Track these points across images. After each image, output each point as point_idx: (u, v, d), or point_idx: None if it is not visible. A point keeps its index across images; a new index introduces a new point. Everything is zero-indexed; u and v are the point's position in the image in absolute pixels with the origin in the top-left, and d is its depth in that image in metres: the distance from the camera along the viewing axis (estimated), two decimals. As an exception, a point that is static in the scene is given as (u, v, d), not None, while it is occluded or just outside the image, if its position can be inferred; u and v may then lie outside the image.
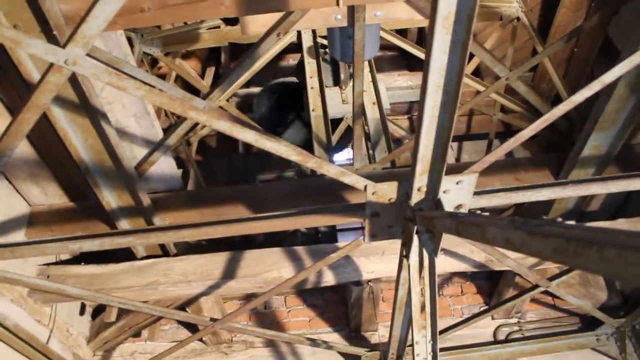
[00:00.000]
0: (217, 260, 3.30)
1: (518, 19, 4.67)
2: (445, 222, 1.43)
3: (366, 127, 4.09)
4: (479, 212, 1.40)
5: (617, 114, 2.89)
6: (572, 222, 0.82)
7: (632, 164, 3.34)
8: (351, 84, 3.89)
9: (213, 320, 2.84)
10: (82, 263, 3.37)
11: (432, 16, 1.26)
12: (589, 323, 4.27)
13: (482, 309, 4.65)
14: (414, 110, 6.69)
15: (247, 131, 1.55)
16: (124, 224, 3.06)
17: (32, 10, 2.00)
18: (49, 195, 3.38)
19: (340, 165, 1.84)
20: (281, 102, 5.33)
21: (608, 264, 0.60)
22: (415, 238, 1.89)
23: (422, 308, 2.13)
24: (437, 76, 1.40)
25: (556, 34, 4.85)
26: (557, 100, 5.24)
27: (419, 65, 6.18)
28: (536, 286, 3.41)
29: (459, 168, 2.22)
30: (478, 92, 4.71)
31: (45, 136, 2.93)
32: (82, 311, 4.17)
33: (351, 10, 2.55)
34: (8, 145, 1.71)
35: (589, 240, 0.63)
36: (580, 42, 4.77)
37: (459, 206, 1.86)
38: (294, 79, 5.05)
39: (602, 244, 0.60)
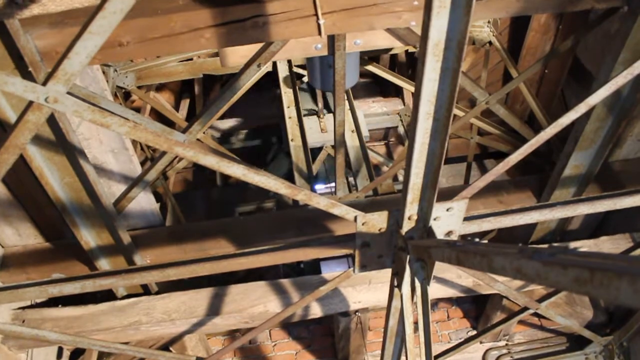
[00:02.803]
0: (200, 297, 3.21)
1: (490, 42, 4.74)
2: (443, 251, 1.40)
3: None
4: (477, 239, 1.37)
5: (595, 133, 2.92)
6: (584, 249, 0.80)
7: (612, 181, 3.36)
8: (330, 112, 3.88)
9: (199, 359, 2.75)
10: (60, 304, 3.25)
11: (422, 43, 1.25)
12: (576, 342, 4.26)
13: (469, 333, 4.62)
14: (390, 136, 6.71)
15: (235, 166, 1.50)
16: (103, 264, 2.96)
17: (5, 46, 1.94)
18: (23, 235, 3.26)
19: (322, 195, 1.81)
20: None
21: (643, 296, 0.58)
22: (407, 267, 1.86)
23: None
24: (427, 104, 1.38)
25: (527, 55, 4.94)
26: (530, 120, 5.30)
27: (393, 91, 6.22)
28: (525, 308, 3.38)
29: (445, 193, 2.20)
30: (454, 116, 4.74)
31: (18, 174, 2.83)
32: (60, 354, 4.00)
33: (331, 39, 2.55)
34: (-17, 188, 1.64)
35: (619, 271, 0.60)
36: (550, 63, 4.86)
37: (450, 233, 1.83)
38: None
39: (635, 275, 0.58)
